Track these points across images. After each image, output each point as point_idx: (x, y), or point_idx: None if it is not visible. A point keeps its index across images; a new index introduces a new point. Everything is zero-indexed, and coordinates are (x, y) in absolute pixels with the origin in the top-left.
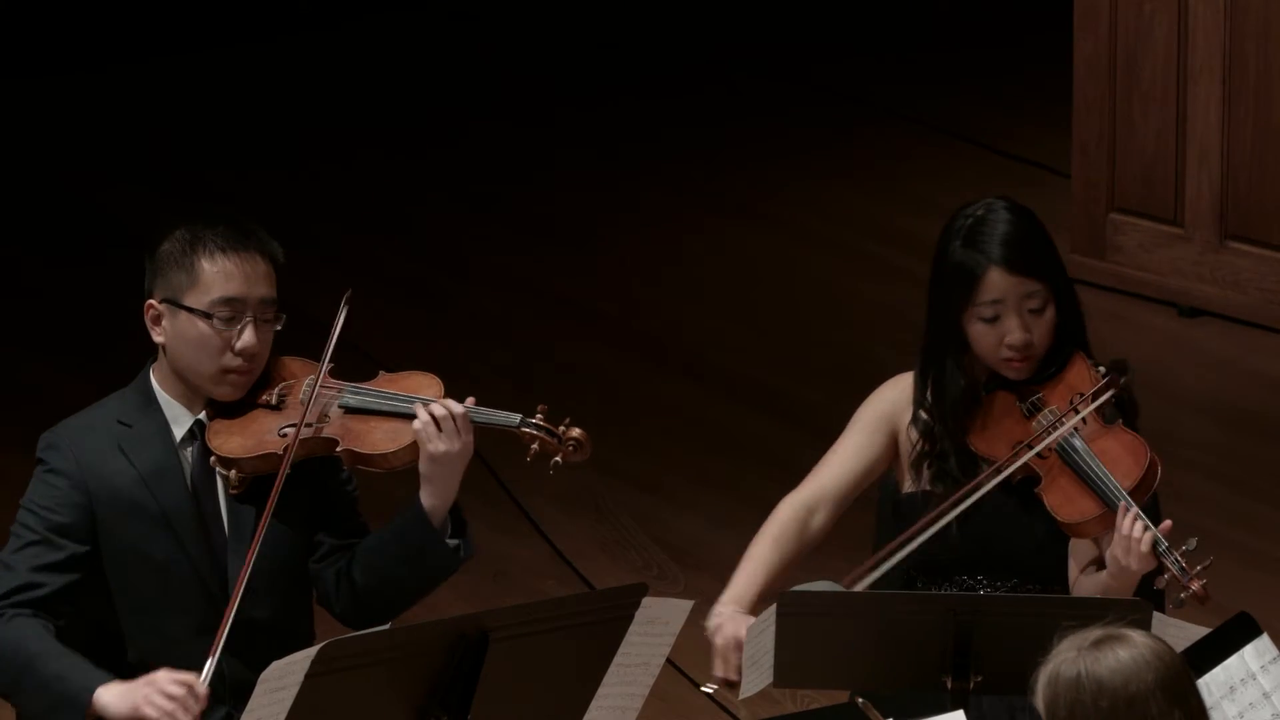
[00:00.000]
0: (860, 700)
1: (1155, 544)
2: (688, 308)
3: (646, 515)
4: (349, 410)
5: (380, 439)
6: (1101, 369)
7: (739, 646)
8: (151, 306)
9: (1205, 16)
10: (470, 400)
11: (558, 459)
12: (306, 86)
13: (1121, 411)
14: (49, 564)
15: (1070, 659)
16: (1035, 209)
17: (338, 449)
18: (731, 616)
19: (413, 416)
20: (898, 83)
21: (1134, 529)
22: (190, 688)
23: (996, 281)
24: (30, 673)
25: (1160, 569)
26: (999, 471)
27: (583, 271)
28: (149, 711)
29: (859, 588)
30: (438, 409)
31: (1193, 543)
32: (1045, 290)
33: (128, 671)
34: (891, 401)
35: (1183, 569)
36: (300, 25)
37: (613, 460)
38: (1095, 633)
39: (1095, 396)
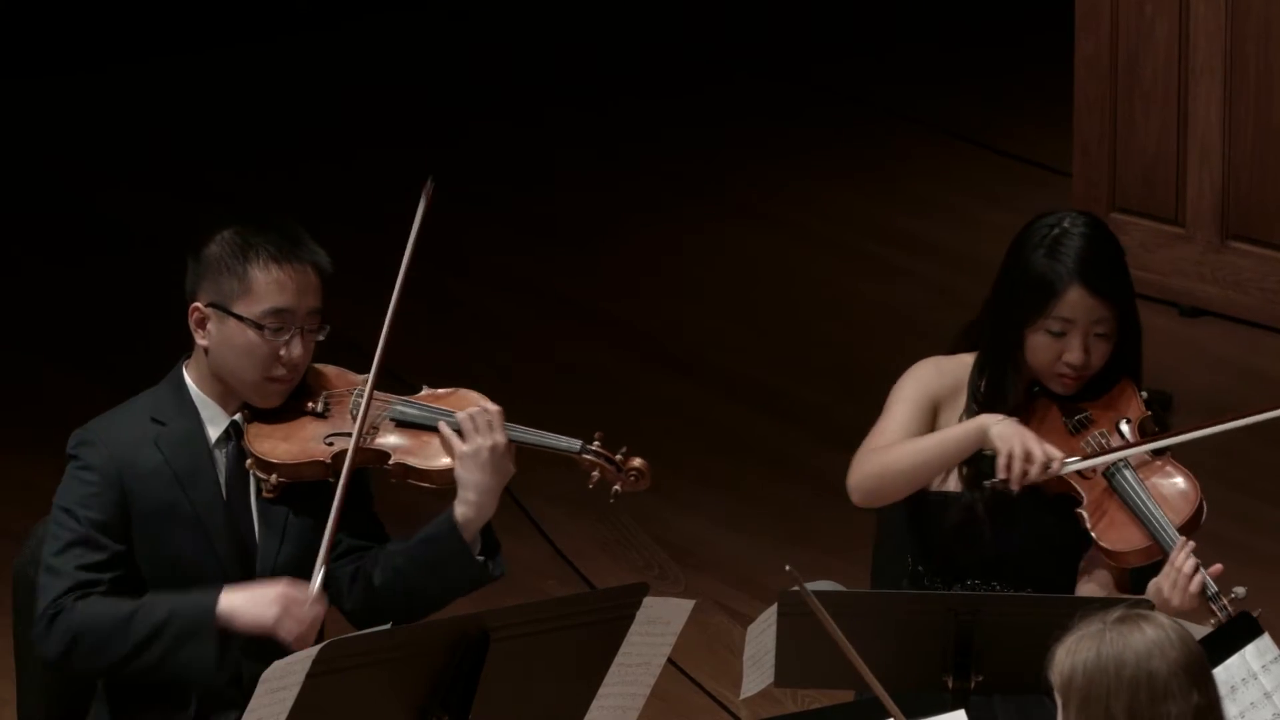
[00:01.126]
0: (789, 567)
1: (1204, 588)
2: (688, 308)
3: (647, 515)
4: (400, 424)
5: (434, 454)
6: (1145, 394)
7: (1027, 456)
8: (197, 309)
9: (1206, 17)
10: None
11: (618, 488)
12: (306, 86)
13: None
14: (94, 563)
15: (1093, 633)
16: (1035, 209)
17: (389, 462)
18: (1011, 422)
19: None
20: (898, 83)
21: (1186, 566)
22: (318, 607)
23: (1075, 300)
24: (138, 627)
25: (1207, 613)
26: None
27: (583, 271)
28: (284, 635)
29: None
30: (472, 408)
31: (1241, 591)
32: (1115, 318)
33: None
34: (935, 382)
35: (1230, 617)
36: (300, 25)
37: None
38: (1118, 611)
39: (1140, 428)
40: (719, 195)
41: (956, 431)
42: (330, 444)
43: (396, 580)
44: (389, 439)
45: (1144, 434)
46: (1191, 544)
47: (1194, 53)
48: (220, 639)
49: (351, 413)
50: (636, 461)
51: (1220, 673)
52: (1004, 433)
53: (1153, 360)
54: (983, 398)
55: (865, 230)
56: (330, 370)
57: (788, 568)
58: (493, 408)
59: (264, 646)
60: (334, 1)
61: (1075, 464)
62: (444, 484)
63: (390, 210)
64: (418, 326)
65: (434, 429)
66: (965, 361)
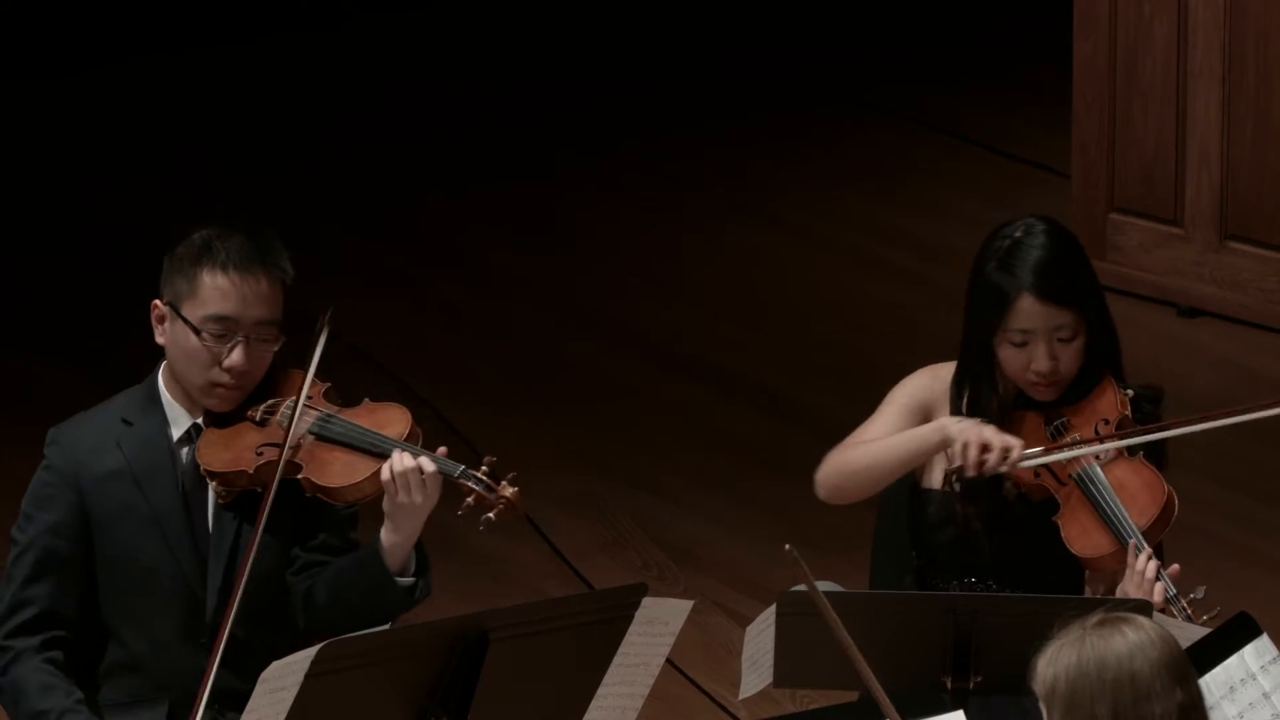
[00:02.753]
0: (788, 546)
1: (1164, 591)
2: (688, 308)
3: (646, 515)
4: (318, 438)
5: (338, 471)
6: (1129, 392)
7: (983, 446)
8: (156, 306)
9: (1205, 16)
10: (442, 449)
11: (490, 515)
12: (307, 86)
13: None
14: (38, 574)
15: (1074, 638)
16: (1035, 209)
17: (299, 475)
18: (966, 420)
19: (375, 453)
20: (898, 83)
21: (1149, 570)
22: None
23: (1027, 309)
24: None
25: (1169, 616)
26: (1101, 441)
27: (582, 271)
28: None
29: (1031, 464)
30: (408, 462)
31: (1201, 591)
32: (1076, 319)
33: (109, 670)
34: (928, 389)
35: (1189, 619)
36: (300, 25)
37: (613, 460)
38: (1098, 616)
39: (1119, 427)
40: (719, 195)
41: (919, 430)
42: (260, 454)
43: (332, 601)
44: (304, 452)
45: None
46: (1148, 550)
47: (1193, 53)
48: None
49: (280, 424)
50: (509, 491)
51: (1219, 673)
52: (964, 426)
53: (1152, 360)
54: (965, 410)
55: (865, 230)
56: (298, 377)
57: (787, 546)
58: (430, 469)
59: (241, 658)
60: (334, 1)
61: (1036, 456)
62: (346, 502)
63: (389, 210)
64: (417, 326)
65: (347, 446)
66: None
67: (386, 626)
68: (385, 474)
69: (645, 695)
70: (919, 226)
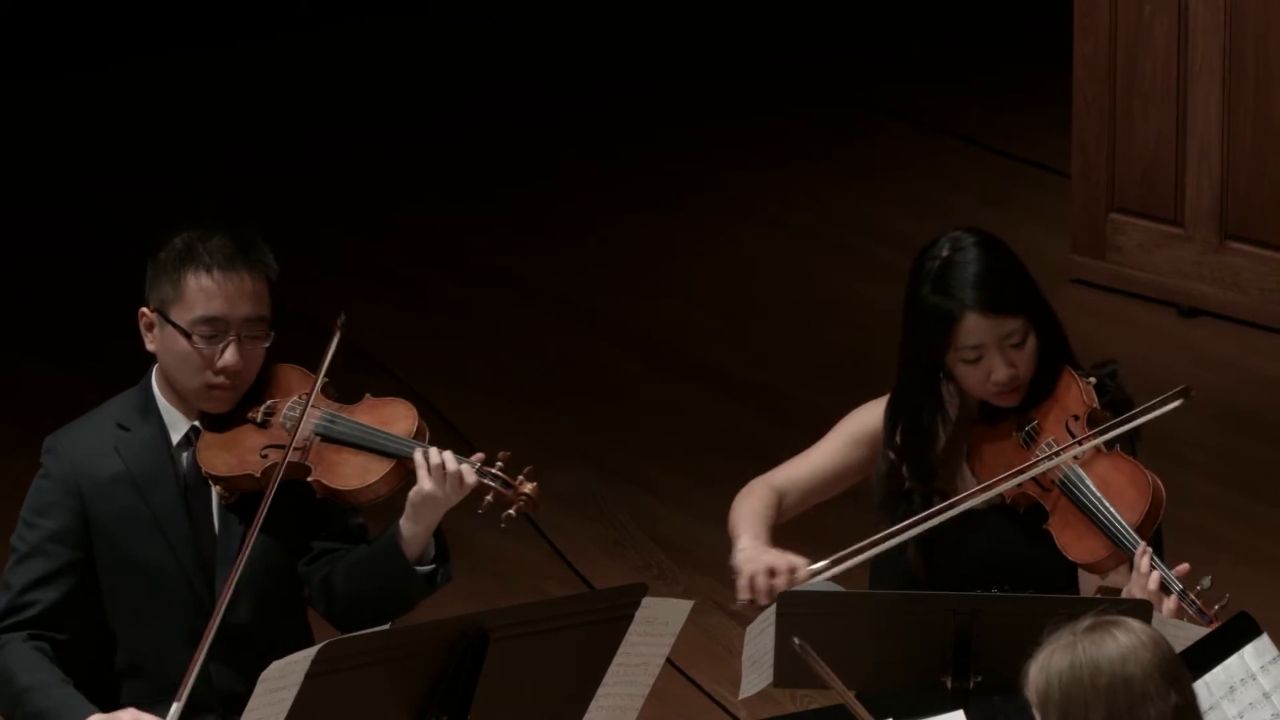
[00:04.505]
0: (796, 640)
1: (1169, 587)
2: (687, 308)
3: (646, 515)
4: (325, 439)
5: (349, 473)
6: (1092, 380)
7: (769, 572)
8: (144, 314)
9: (1205, 16)
10: (481, 456)
11: (510, 511)
12: (306, 86)
13: (1115, 409)
14: (41, 578)
15: (1065, 644)
16: (1035, 209)
17: (309, 477)
18: (755, 546)
19: (386, 453)
20: (898, 83)
21: (1150, 577)
22: None
23: (974, 326)
24: (20, 705)
25: (1179, 611)
26: (987, 490)
27: (582, 271)
28: None
29: (821, 578)
30: (444, 460)
31: (1207, 581)
32: (1024, 323)
33: (116, 676)
34: (870, 425)
35: (1200, 611)
36: (300, 25)
37: (613, 460)
38: (1088, 620)
39: (1090, 421)
40: (718, 195)
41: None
42: (265, 456)
43: (354, 589)
44: (312, 454)
45: (1092, 425)
46: (1144, 549)
47: (1193, 52)
48: None
49: (283, 425)
50: (529, 487)
51: (1219, 673)
52: (744, 557)
53: (1151, 360)
54: (901, 442)
55: (865, 230)
56: (293, 374)
57: (796, 640)
58: (470, 477)
59: (232, 651)
60: (334, 1)
61: (825, 568)
62: (360, 503)
63: (390, 210)
64: (416, 326)
65: (355, 446)
66: None
67: (387, 626)
68: (421, 465)
69: (645, 695)
70: (918, 226)
